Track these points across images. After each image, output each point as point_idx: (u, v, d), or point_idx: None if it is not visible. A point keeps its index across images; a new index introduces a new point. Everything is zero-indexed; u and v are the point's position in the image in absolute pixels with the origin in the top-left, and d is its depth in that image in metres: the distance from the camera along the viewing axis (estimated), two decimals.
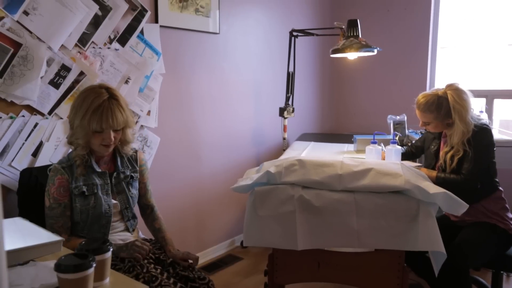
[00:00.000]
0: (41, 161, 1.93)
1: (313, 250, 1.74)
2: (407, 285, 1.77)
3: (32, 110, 1.91)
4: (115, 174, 1.66)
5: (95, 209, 1.57)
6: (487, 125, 1.97)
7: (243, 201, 3.22)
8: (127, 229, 1.70)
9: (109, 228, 1.61)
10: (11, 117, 1.84)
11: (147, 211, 1.84)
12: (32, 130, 1.91)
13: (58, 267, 0.94)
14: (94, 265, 0.97)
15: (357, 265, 1.80)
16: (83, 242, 1.08)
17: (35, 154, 1.94)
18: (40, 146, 1.95)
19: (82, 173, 1.56)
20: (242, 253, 3.08)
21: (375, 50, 2.33)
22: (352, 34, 2.29)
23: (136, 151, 1.77)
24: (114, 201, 1.64)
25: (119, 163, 1.68)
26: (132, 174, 1.72)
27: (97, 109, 1.51)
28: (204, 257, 2.94)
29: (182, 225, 2.76)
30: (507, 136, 2.75)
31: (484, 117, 2.49)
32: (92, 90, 1.57)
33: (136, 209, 1.79)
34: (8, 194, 1.87)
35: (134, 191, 1.72)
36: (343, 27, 2.39)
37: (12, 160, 1.86)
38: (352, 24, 2.31)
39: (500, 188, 2.02)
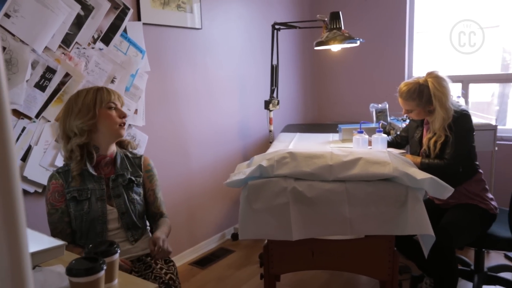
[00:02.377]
0: (30, 166, 1.91)
1: (307, 240, 1.79)
2: (397, 268, 1.85)
3: (19, 114, 1.89)
4: (113, 176, 1.60)
5: (88, 214, 1.53)
6: (467, 111, 2.05)
7: (231, 194, 3.26)
8: (127, 240, 1.61)
9: (105, 236, 1.56)
10: None
11: (156, 218, 1.73)
12: (20, 135, 1.89)
13: (70, 271, 0.96)
14: (105, 267, 0.99)
15: (350, 251, 1.86)
16: (91, 246, 1.09)
17: (24, 158, 1.92)
18: (29, 150, 1.93)
19: (77, 172, 1.53)
20: (233, 245, 3.12)
21: (358, 42, 2.39)
22: (335, 26, 2.34)
23: (141, 156, 1.72)
24: (110, 207, 1.58)
25: (118, 164, 1.63)
26: (133, 177, 1.64)
27: (98, 89, 1.55)
28: (196, 251, 2.98)
29: (174, 221, 2.75)
30: (481, 119, 2.87)
31: (462, 102, 2.59)
32: (78, 90, 1.59)
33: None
34: None
35: (135, 196, 1.63)
36: (326, 19, 2.43)
37: None
38: (335, 17, 2.35)
39: (480, 170, 2.11)
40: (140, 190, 1.67)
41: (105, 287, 1.04)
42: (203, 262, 2.86)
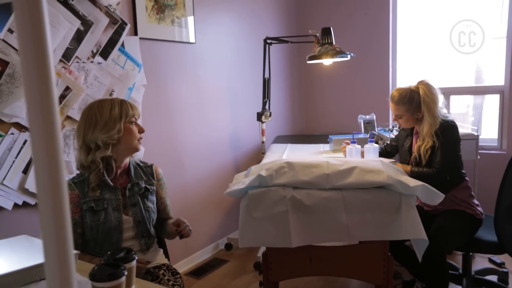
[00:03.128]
0: (32, 178, 1.93)
1: (304, 246, 1.84)
2: (392, 272, 1.92)
3: (21, 127, 1.91)
4: (129, 185, 1.63)
5: (105, 225, 1.54)
6: (454, 122, 2.17)
7: (224, 205, 3.30)
8: (140, 249, 1.64)
9: (120, 245, 1.57)
10: (0, 136, 1.84)
11: (162, 221, 1.78)
12: (22, 147, 1.91)
13: (93, 277, 0.99)
14: (126, 273, 1.03)
15: (346, 257, 1.93)
16: (110, 253, 1.13)
17: (26, 171, 1.93)
18: (30, 163, 1.94)
19: (96, 183, 1.54)
20: (227, 255, 3.16)
21: (349, 56, 2.49)
22: (326, 41, 2.44)
23: (152, 165, 1.76)
24: (126, 217, 1.60)
25: (132, 174, 1.66)
26: (147, 186, 1.68)
27: (122, 102, 1.57)
28: (191, 262, 3.00)
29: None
30: (464, 129, 3.01)
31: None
32: (100, 100, 1.60)
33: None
34: (1, 213, 1.86)
35: (150, 205, 1.67)
36: (318, 34, 2.53)
37: (4, 179, 1.85)
38: (326, 32, 2.46)
39: (466, 178, 2.22)
40: (154, 198, 1.71)
41: None
42: (198, 272, 2.88)
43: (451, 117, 2.20)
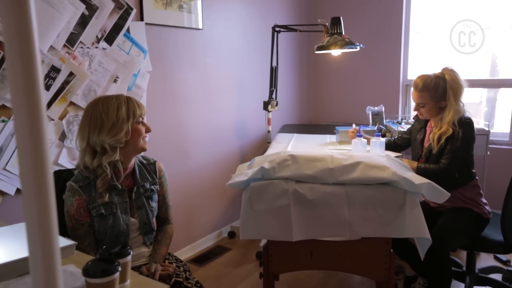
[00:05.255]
0: None
1: (305, 240, 1.82)
2: (394, 269, 1.90)
3: None
4: (135, 188, 1.59)
5: (113, 229, 1.51)
6: (471, 119, 2.10)
7: (228, 193, 3.29)
8: (144, 243, 1.64)
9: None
10: (3, 121, 1.83)
11: (159, 222, 1.75)
12: None
13: (87, 272, 0.99)
14: (120, 269, 1.02)
15: (347, 252, 1.91)
16: (105, 247, 1.12)
17: None
18: None
19: (104, 188, 1.48)
20: (230, 243, 3.16)
21: (358, 47, 2.43)
22: (335, 31, 2.38)
23: (155, 162, 1.70)
24: (132, 219, 1.57)
25: (138, 175, 1.60)
26: (152, 187, 1.65)
27: (128, 100, 1.49)
28: (193, 249, 3.01)
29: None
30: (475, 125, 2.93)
31: None
32: (105, 98, 1.50)
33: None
34: (4, 198, 1.86)
35: (154, 205, 1.65)
36: (327, 24, 2.47)
37: (6, 164, 1.85)
38: (336, 22, 2.39)
39: (476, 177, 2.17)
40: (156, 197, 1.68)
41: None
42: (201, 259, 2.89)
43: (468, 113, 2.13)
